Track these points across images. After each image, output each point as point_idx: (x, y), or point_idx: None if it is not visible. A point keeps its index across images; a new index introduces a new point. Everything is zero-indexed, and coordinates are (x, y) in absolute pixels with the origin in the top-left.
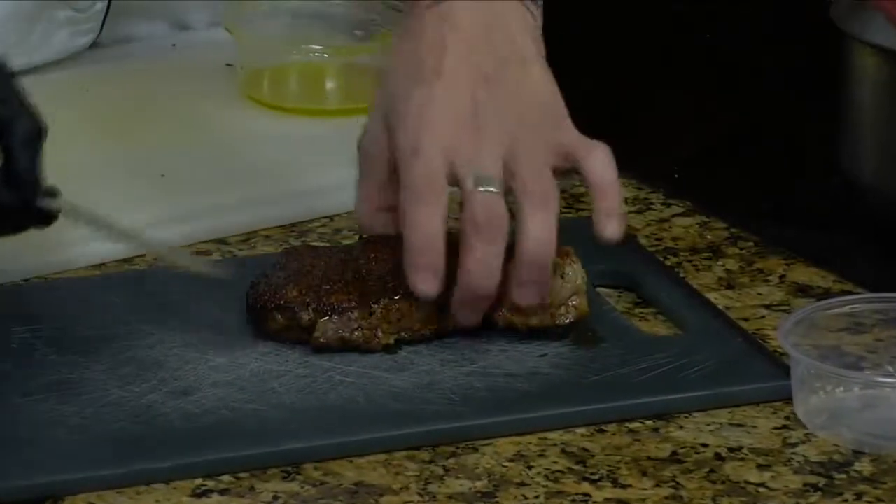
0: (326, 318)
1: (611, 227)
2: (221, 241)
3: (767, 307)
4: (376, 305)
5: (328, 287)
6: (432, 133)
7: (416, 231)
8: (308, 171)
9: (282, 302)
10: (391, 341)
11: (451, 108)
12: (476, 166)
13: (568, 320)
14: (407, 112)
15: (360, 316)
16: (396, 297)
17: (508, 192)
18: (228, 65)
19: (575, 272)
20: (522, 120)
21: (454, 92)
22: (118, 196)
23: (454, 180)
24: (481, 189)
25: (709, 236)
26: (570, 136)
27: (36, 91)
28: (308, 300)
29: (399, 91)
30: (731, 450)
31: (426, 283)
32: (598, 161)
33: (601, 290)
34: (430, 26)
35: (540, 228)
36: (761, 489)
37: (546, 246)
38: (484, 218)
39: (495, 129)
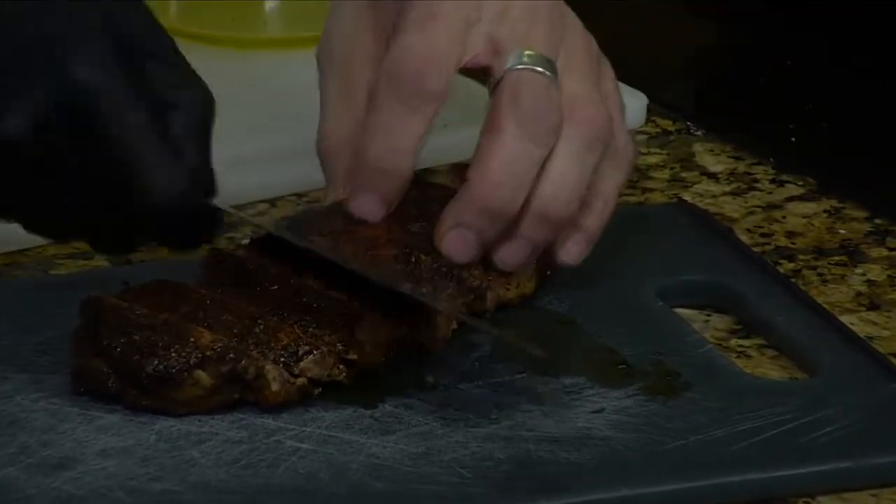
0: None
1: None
2: None
3: None
4: (358, 328)
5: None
6: None
7: (381, 140)
8: (236, 132)
9: (207, 353)
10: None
11: None
12: (528, 42)
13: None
14: None
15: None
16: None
17: None
18: None
19: None
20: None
21: None
22: None
23: (489, 59)
24: (538, 69)
25: (842, 230)
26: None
27: None
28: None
29: None
30: None
31: (370, 206)
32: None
33: (683, 311)
34: None
35: (578, 171)
36: None
37: (576, 195)
38: (531, 104)
39: (546, 10)
